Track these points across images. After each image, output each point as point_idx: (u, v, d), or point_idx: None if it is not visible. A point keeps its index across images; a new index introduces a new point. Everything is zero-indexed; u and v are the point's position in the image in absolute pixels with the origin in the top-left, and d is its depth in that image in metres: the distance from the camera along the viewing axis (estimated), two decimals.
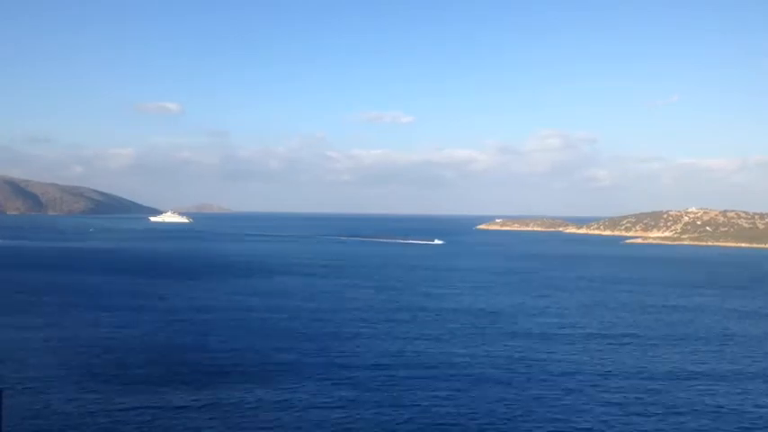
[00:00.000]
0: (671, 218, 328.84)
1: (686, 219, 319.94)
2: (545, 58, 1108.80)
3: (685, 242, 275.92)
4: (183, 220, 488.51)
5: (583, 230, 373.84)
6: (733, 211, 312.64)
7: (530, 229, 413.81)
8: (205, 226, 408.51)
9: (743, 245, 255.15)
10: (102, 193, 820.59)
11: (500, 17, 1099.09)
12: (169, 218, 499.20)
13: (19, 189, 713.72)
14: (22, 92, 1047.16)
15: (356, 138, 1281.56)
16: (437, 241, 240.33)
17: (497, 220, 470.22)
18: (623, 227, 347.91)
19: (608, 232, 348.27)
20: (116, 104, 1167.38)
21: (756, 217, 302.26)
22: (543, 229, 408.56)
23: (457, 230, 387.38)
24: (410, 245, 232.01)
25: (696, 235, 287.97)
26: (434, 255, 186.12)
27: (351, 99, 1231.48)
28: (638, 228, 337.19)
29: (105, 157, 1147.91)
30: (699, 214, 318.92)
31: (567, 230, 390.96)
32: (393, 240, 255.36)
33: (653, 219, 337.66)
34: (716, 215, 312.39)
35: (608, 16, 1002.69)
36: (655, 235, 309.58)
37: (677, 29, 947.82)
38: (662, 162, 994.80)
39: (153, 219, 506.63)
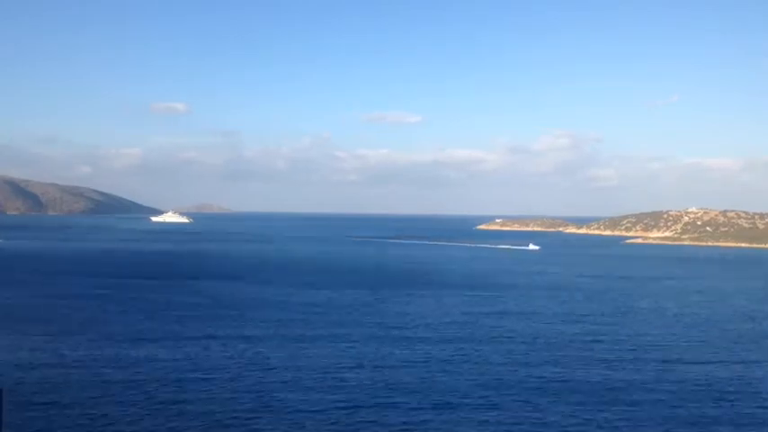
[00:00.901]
0: (671, 218, 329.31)
1: (686, 219, 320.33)
2: (545, 58, 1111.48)
3: (685, 242, 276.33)
4: (184, 220, 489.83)
5: (583, 230, 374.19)
6: (733, 211, 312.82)
7: (529, 229, 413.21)
8: (217, 227, 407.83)
9: (743, 245, 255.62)
10: (102, 194, 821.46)
11: (500, 17, 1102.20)
12: (170, 218, 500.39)
13: (19, 189, 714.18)
14: (25, 92, 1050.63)
15: (359, 138, 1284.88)
16: (532, 246, 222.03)
17: (497, 220, 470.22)
18: (623, 227, 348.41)
19: (608, 232, 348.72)
20: (118, 105, 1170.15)
21: (756, 217, 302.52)
22: (543, 229, 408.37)
23: (459, 231, 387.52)
24: (506, 249, 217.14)
25: (696, 235, 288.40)
26: (548, 260, 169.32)
27: (352, 99, 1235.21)
28: (638, 228, 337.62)
29: (109, 158, 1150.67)
30: (699, 214, 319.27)
31: (567, 230, 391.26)
32: (485, 245, 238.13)
33: (653, 219, 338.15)
34: (716, 215, 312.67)
35: (608, 16, 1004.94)
36: (655, 235, 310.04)
37: (677, 29, 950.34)
38: (662, 162, 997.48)
39: (154, 219, 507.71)
